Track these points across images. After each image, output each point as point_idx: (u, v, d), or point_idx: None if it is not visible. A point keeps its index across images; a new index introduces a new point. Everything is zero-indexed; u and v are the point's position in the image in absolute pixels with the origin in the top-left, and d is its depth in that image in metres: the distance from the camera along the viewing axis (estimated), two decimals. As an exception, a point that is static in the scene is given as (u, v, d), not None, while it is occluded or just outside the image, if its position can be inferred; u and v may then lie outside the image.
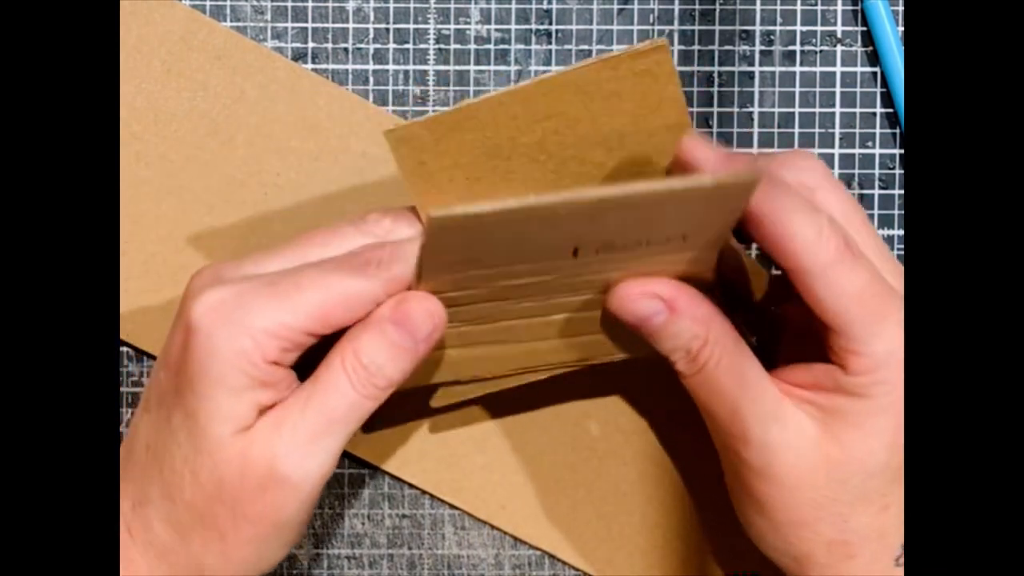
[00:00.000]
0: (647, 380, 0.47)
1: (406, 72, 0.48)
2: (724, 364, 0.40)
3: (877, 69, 0.48)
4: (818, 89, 0.49)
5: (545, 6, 0.48)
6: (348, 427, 0.39)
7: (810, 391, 0.40)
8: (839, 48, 0.49)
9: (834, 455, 0.39)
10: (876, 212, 0.49)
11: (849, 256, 0.38)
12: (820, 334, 0.40)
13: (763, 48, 0.49)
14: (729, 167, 0.40)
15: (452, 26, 0.48)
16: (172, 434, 0.39)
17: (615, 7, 0.48)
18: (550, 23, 0.48)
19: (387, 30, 0.48)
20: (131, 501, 0.40)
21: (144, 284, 0.48)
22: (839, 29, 0.49)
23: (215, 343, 0.38)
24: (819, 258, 0.38)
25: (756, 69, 0.49)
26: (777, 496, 0.40)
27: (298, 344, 0.39)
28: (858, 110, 0.49)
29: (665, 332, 0.40)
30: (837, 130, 0.49)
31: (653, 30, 0.48)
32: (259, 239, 0.48)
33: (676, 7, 0.49)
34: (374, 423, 0.47)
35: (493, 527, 0.48)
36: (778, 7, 0.48)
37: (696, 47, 0.49)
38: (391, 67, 0.48)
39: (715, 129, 0.48)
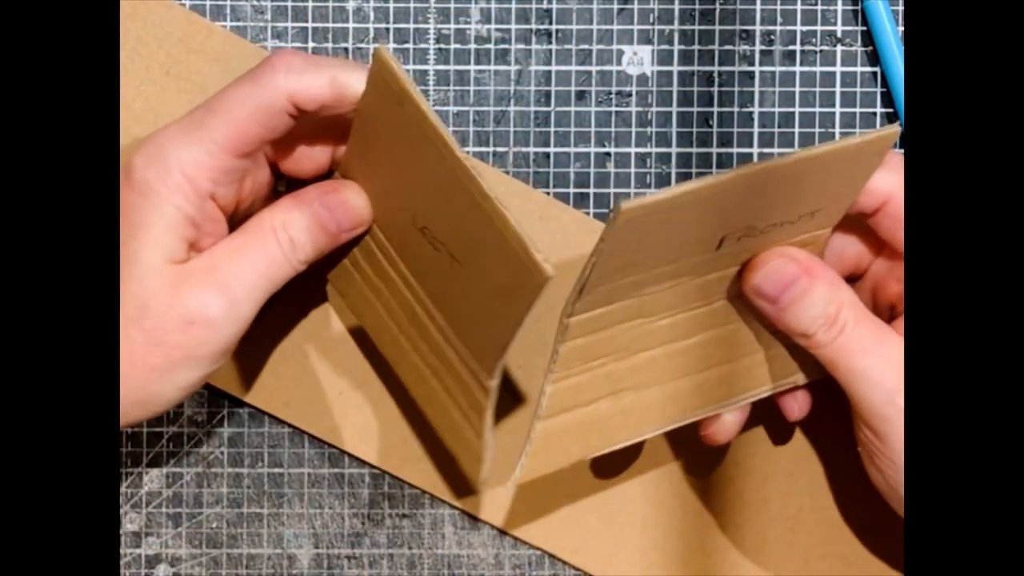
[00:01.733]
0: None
1: (406, 72, 0.48)
2: (864, 321, 0.41)
3: (877, 69, 0.48)
4: (818, 89, 0.48)
5: (545, 6, 0.48)
6: (272, 287, 0.42)
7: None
8: (839, 48, 0.49)
9: None
10: (876, 212, 0.49)
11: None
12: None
13: (763, 48, 0.48)
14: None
15: (452, 26, 0.48)
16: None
17: (615, 7, 0.48)
18: (550, 23, 0.48)
19: (387, 30, 0.48)
20: None
21: (144, 285, 0.48)
22: (839, 29, 0.49)
23: (149, 183, 0.40)
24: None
25: (756, 69, 0.49)
26: None
27: (228, 170, 0.41)
28: (858, 110, 0.49)
29: (805, 300, 0.41)
30: (837, 130, 0.48)
31: (653, 30, 0.48)
32: (259, 240, 0.48)
33: (676, 7, 0.48)
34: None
35: (493, 527, 0.49)
36: (778, 7, 0.48)
37: (696, 47, 0.48)
38: (391, 67, 0.48)
39: (715, 129, 0.48)
